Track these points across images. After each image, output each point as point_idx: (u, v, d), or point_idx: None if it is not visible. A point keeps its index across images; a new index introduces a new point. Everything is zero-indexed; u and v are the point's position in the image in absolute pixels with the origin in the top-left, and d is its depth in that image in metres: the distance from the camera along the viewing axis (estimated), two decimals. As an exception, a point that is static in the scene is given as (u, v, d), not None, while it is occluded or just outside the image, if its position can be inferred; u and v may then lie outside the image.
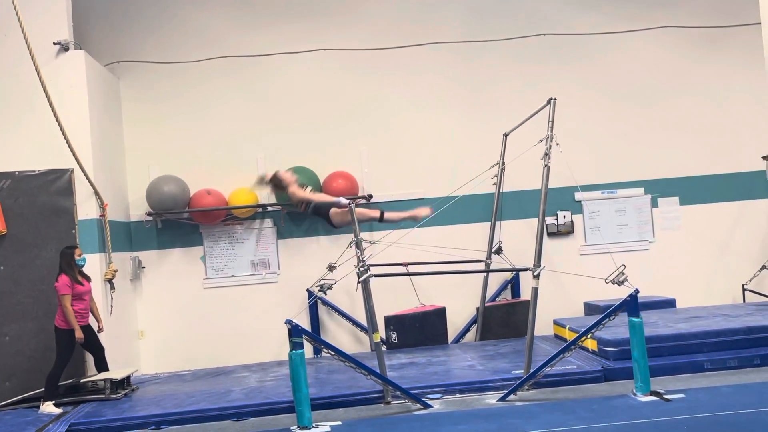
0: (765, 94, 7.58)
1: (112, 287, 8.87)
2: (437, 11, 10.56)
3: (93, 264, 8.53)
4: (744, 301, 10.21)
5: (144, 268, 10.10)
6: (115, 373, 8.09)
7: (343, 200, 7.61)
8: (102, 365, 8.16)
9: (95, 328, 8.17)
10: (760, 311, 8.67)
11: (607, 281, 6.81)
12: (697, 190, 10.58)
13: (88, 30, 10.02)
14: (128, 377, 8.24)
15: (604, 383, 7.18)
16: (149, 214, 9.93)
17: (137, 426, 6.87)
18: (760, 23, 7.49)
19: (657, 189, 10.61)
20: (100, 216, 8.90)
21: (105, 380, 7.79)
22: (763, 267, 10.00)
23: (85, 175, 8.64)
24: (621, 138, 10.57)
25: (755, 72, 9.50)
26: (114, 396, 7.74)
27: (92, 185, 8.75)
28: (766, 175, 7.55)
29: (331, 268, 9.39)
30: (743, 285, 10.25)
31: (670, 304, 9.75)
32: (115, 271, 8.93)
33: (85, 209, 8.75)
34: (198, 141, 10.27)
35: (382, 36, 10.46)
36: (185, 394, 7.81)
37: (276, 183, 8.11)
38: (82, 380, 8.01)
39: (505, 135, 9.71)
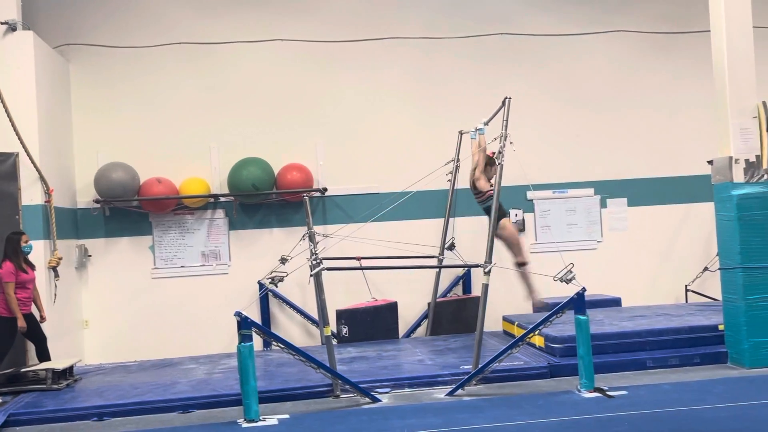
0: (712, 100, 7.79)
1: (57, 275, 8.66)
2: (398, 6, 10.56)
3: (37, 251, 8.31)
4: (686, 301, 10.49)
5: (90, 256, 9.88)
6: (58, 363, 7.90)
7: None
8: (44, 355, 7.97)
9: (37, 317, 7.97)
10: (702, 311, 8.92)
11: (555, 279, 6.92)
12: (644, 192, 10.83)
13: (38, 10, 9.74)
14: (71, 367, 8.05)
15: (550, 379, 7.29)
16: (97, 201, 9.72)
17: (79, 417, 6.72)
18: (709, 31, 7.69)
19: (606, 190, 10.82)
20: (46, 202, 8.68)
21: (46, 370, 7.60)
22: (706, 269, 10.29)
23: (31, 159, 8.41)
24: (573, 139, 10.74)
25: (704, 79, 9.73)
26: (56, 386, 7.56)
27: (37, 170, 8.52)
28: (710, 179, 7.75)
29: (283, 260, 9.33)
30: (686, 286, 10.54)
31: (615, 302, 9.96)
32: (60, 259, 8.72)
33: (30, 194, 8.52)
34: (149, 128, 10.08)
35: (341, 28, 10.42)
36: (130, 385, 7.67)
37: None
38: (23, 370, 7.79)
39: (461, 132, 9.78)
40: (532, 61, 10.66)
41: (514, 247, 8.57)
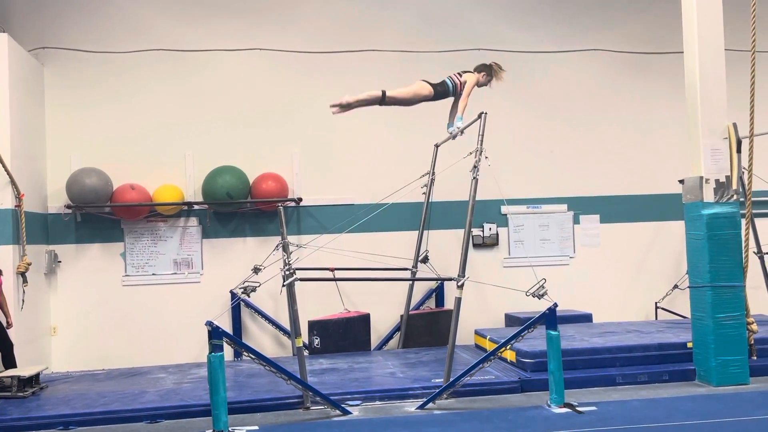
0: (684, 120, 7.91)
1: (25, 281, 8.53)
2: (377, 19, 10.60)
3: (6, 256, 8.20)
4: (656, 318, 10.61)
5: (60, 262, 9.74)
6: (24, 370, 7.77)
7: None
8: (10, 362, 7.84)
9: (3, 323, 7.83)
10: (671, 329, 9.03)
11: (528, 294, 6.95)
12: (616, 209, 10.96)
13: (13, 13, 9.64)
14: (37, 375, 7.92)
15: (521, 394, 7.32)
16: (68, 207, 9.60)
17: (44, 426, 6.61)
18: (683, 52, 7.82)
19: (579, 206, 10.93)
20: (16, 206, 8.56)
21: (12, 377, 7.47)
22: (675, 286, 10.42)
23: (2, 162, 8.31)
24: (547, 155, 10.85)
25: (676, 98, 9.90)
26: (21, 394, 7.43)
27: (8, 174, 8.40)
28: (681, 198, 7.87)
29: (256, 270, 9.27)
30: (656, 303, 10.66)
31: (587, 318, 10.05)
32: (29, 265, 8.59)
33: (0, 198, 8.39)
34: (124, 134, 10.00)
35: (319, 39, 10.44)
36: (97, 394, 7.56)
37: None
38: (-13, 377, 7.65)
39: (437, 146, 9.82)
40: (508, 77, 10.65)
41: None
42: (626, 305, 10.81)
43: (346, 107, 7.95)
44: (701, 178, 7.52)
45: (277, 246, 8.14)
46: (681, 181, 7.95)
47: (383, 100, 7.99)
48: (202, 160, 9.99)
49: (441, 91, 8.18)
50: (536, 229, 10.81)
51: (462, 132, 8.14)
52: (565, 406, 6.59)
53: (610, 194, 10.96)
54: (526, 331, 6.86)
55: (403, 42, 10.57)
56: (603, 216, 10.95)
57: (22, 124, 8.97)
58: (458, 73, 8.30)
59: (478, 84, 8.34)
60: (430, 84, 8.13)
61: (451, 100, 8.44)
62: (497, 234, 10.67)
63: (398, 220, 10.24)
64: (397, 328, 10.13)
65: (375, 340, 10.07)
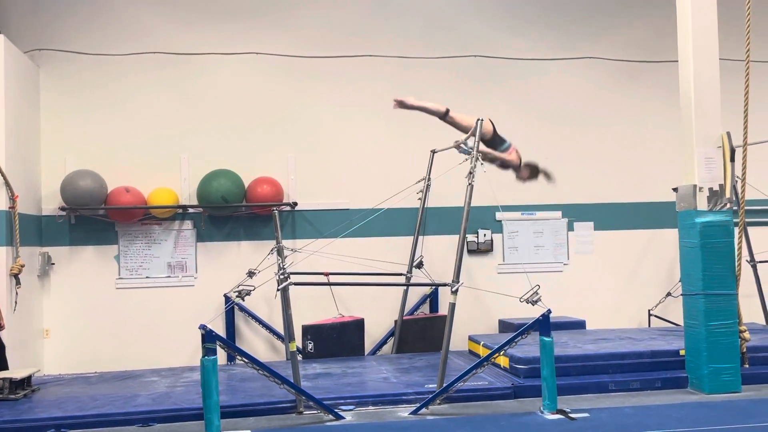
0: (678, 129, 7.95)
1: (18, 283, 8.50)
2: (374, 25, 10.63)
3: (-2, 258, 8.17)
4: (649, 325, 10.64)
5: (54, 264, 9.72)
6: (15, 372, 7.73)
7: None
8: (1, 364, 7.80)
9: (-4, 324, 7.82)
10: (664, 336, 9.05)
11: (521, 300, 6.97)
12: (611, 216, 10.99)
13: (10, 14, 9.63)
14: (29, 377, 7.88)
15: (514, 400, 7.33)
16: (63, 209, 9.58)
17: (36, 429, 6.57)
18: (677, 61, 7.87)
19: (574, 213, 10.96)
20: (10, 208, 8.53)
21: (3, 379, 7.43)
22: (669, 294, 10.44)
23: (-4, 164, 8.28)
24: (542, 162, 10.80)
25: (671, 107, 9.95)
26: (13, 396, 7.39)
27: (3, 175, 8.39)
28: (675, 206, 7.90)
29: (250, 274, 9.26)
30: (649, 310, 10.69)
31: (580, 325, 10.06)
32: (22, 266, 8.57)
33: (-6, 200, 8.39)
34: (119, 137, 9.99)
35: (316, 44, 10.45)
36: (89, 397, 7.53)
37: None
38: (-21, 379, 7.62)
39: (433, 152, 9.84)
40: (504, 84, 10.79)
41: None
42: (619, 312, 10.84)
43: (407, 107, 8.19)
44: (695, 186, 7.56)
45: (271, 250, 8.14)
46: (675, 189, 7.99)
47: (445, 117, 8.16)
48: (198, 164, 9.99)
49: (496, 141, 8.26)
50: (531, 236, 10.84)
51: (472, 149, 8.00)
52: (557, 413, 6.61)
53: (604, 202, 10.99)
54: (520, 338, 6.88)
55: (401, 48, 10.59)
56: (597, 223, 10.98)
57: (17, 125, 8.96)
58: (518, 151, 8.44)
59: (520, 176, 8.54)
60: (494, 128, 8.22)
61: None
62: (492, 240, 10.69)
63: (393, 225, 10.25)
64: (391, 333, 10.13)
65: (369, 345, 10.07)
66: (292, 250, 8.19)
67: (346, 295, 9.90)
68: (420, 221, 10.05)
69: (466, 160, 7.84)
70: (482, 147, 8.02)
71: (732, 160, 7.62)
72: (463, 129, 8.16)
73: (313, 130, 10.37)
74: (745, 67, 7.51)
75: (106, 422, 6.71)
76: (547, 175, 8.65)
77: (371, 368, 8.70)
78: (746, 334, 7.71)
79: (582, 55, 11.03)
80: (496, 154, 8.25)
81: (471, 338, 9.58)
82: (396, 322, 10.05)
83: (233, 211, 9.97)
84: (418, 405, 6.92)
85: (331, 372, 8.45)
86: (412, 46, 10.63)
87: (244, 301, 9.46)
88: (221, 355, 7.95)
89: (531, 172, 8.58)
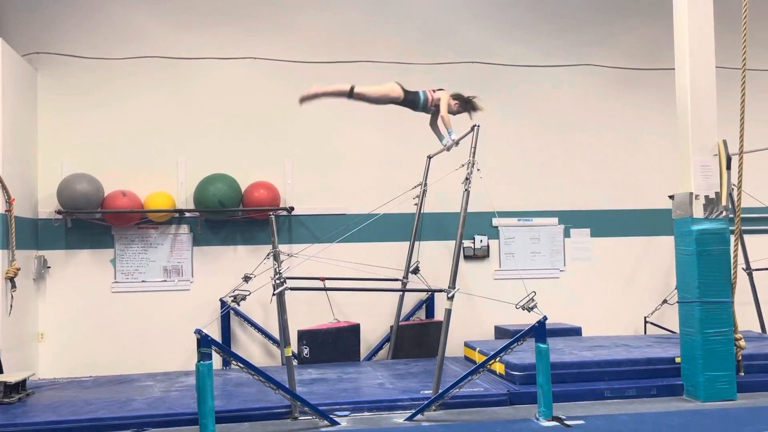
0: (675, 136, 7.98)
1: (13, 286, 8.48)
2: (371, 30, 10.65)
3: (-6, 261, 8.15)
4: (645, 332, 10.65)
5: (49, 267, 9.70)
6: (10, 376, 7.71)
7: None
8: (-4, 367, 7.78)
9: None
10: (660, 343, 9.05)
11: (517, 306, 6.96)
12: (607, 223, 11.01)
13: (8, 17, 9.63)
14: (23, 381, 7.85)
15: (509, 407, 7.31)
16: (59, 212, 9.56)
17: (30, 433, 6.56)
18: (674, 69, 7.89)
19: (570, 220, 10.97)
20: (6, 211, 8.52)
21: (-2, 383, 7.42)
22: (665, 301, 10.46)
23: (-7, 167, 8.27)
24: (539, 168, 10.90)
25: (667, 114, 10.00)
26: (7, 400, 7.37)
27: (-1, 178, 8.37)
28: (671, 213, 7.91)
29: (246, 278, 9.26)
30: (645, 317, 10.70)
31: (576, 332, 10.06)
32: (18, 270, 8.55)
33: (-10, 203, 8.38)
34: (116, 140, 9.98)
35: (314, 49, 10.47)
36: (84, 401, 7.51)
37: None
38: (-27, 382, 7.59)
39: (429, 157, 9.85)
40: (501, 91, 10.81)
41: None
42: (615, 319, 10.84)
43: (312, 97, 7.96)
44: (691, 194, 7.57)
45: (268, 255, 8.11)
46: (671, 197, 8.00)
47: (351, 95, 7.94)
48: (194, 168, 9.99)
49: (411, 99, 8.17)
50: (527, 242, 10.85)
51: (457, 143, 8.15)
52: (553, 420, 6.60)
53: (601, 208, 11.01)
54: (516, 344, 6.87)
55: (398, 54, 10.61)
56: (594, 230, 11.00)
57: (14, 128, 8.95)
58: (433, 90, 8.28)
59: (450, 110, 8.18)
60: (403, 89, 8.13)
61: (424, 116, 8.41)
62: (488, 246, 10.70)
63: (390, 230, 10.25)
64: (387, 339, 10.13)
65: (364, 350, 10.06)
66: (288, 254, 8.19)
67: (341, 301, 9.90)
68: (416, 227, 10.05)
69: (445, 147, 8.11)
70: (445, 118, 8.05)
71: (728, 167, 7.64)
72: (374, 101, 8.10)
73: (311, 135, 10.38)
74: (741, 76, 7.54)
75: (101, 427, 6.69)
76: (471, 104, 8.30)
77: (367, 374, 8.69)
78: (742, 342, 7.72)
79: (579, 62, 11.06)
80: (445, 115, 8.08)
81: (467, 344, 9.58)
82: (392, 327, 10.04)
83: (230, 216, 9.96)
84: (413, 411, 6.90)
85: (326, 377, 8.44)
86: (410, 51, 10.65)
87: (239, 305, 9.46)
88: (216, 360, 7.94)
89: (461, 104, 8.29)
